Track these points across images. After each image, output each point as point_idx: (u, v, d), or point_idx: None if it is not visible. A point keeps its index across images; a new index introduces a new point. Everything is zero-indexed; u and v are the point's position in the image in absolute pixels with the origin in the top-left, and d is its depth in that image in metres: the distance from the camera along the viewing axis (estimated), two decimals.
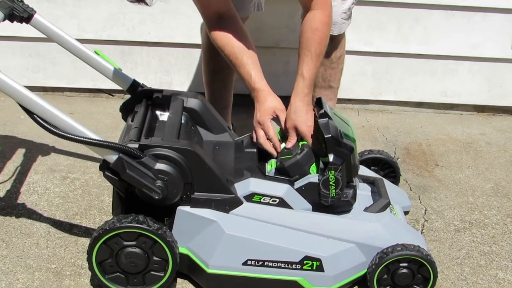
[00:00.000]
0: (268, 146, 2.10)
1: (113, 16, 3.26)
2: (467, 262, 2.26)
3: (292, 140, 2.09)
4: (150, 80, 3.43)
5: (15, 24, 2.14)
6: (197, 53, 3.37)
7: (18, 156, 2.79)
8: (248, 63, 2.12)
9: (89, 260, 1.90)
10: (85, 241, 2.24)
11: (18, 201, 2.45)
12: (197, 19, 3.18)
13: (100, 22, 3.30)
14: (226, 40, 2.15)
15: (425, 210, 2.57)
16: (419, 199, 2.65)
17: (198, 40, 3.30)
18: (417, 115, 3.56)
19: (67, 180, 2.62)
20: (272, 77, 3.43)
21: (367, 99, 3.57)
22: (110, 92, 3.53)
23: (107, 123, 3.20)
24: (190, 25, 3.30)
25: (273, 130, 2.09)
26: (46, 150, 2.85)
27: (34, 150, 2.84)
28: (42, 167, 2.71)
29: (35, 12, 2.15)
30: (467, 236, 2.42)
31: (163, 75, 3.46)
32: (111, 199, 2.45)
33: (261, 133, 2.11)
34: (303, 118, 2.06)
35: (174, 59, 3.42)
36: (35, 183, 2.58)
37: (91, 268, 1.91)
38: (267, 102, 2.09)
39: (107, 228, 1.86)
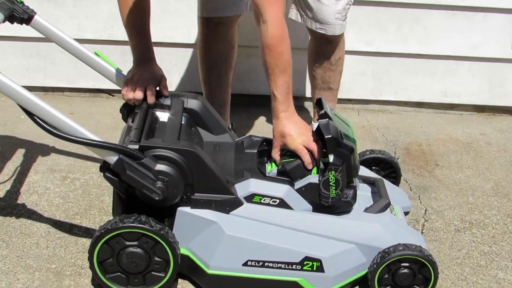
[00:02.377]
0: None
1: (113, 16, 3.26)
2: (467, 262, 2.26)
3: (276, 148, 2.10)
4: None
5: (16, 24, 2.14)
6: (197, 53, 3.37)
7: (18, 156, 2.78)
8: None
9: (90, 259, 1.90)
10: (85, 241, 2.24)
11: (18, 201, 2.45)
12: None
13: (100, 22, 3.30)
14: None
15: (425, 210, 2.57)
16: (419, 199, 2.65)
17: None
18: (417, 115, 3.56)
19: (67, 180, 2.62)
20: None
21: (367, 99, 3.57)
22: (110, 92, 3.52)
23: (107, 123, 3.20)
24: (190, 25, 3.29)
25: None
26: (46, 150, 2.85)
27: (34, 150, 2.84)
28: (42, 167, 2.71)
29: (35, 13, 2.15)
30: (467, 236, 2.42)
31: None
32: (111, 199, 2.46)
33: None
34: (288, 135, 2.02)
35: (174, 59, 3.42)
36: (35, 183, 2.58)
37: (92, 267, 1.91)
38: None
39: (109, 227, 1.86)
